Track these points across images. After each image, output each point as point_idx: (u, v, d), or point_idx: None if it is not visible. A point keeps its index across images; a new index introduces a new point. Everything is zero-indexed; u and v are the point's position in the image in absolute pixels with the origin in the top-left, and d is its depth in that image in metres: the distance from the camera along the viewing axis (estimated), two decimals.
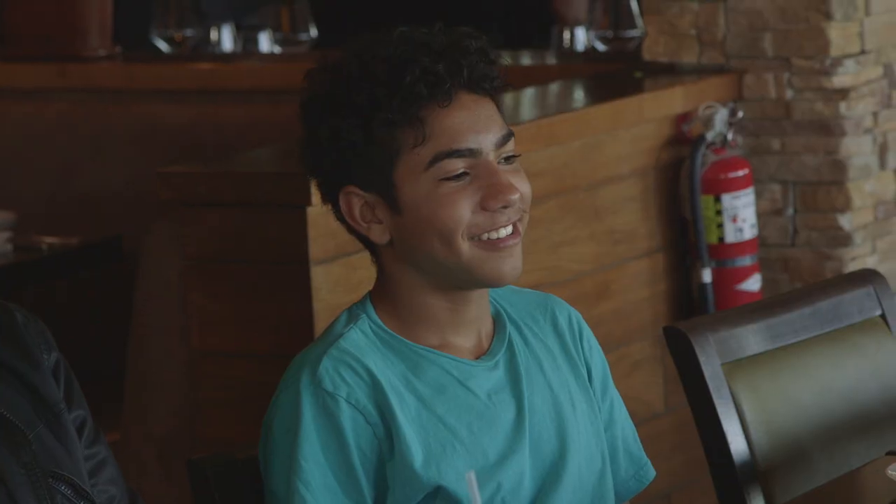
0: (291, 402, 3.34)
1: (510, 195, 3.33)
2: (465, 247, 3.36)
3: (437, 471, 3.36)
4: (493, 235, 3.37)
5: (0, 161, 6.32)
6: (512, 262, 3.41)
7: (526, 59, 6.18)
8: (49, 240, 5.81)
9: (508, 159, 3.39)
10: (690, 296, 5.22)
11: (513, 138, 3.38)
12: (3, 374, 3.07)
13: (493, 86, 3.38)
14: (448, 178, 3.35)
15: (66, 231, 5.93)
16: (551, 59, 6.63)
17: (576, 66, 6.36)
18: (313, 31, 7.02)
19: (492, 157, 3.36)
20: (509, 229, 3.35)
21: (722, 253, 5.53)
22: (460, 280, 3.43)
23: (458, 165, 3.35)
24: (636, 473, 3.64)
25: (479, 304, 3.49)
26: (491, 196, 3.37)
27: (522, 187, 3.38)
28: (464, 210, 3.37)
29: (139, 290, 4.80)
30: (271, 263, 4.61)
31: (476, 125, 3.41)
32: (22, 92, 6.57)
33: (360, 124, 3.36)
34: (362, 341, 3.39)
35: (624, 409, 3.62)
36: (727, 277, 5.18)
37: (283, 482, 3.36)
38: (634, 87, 5.66)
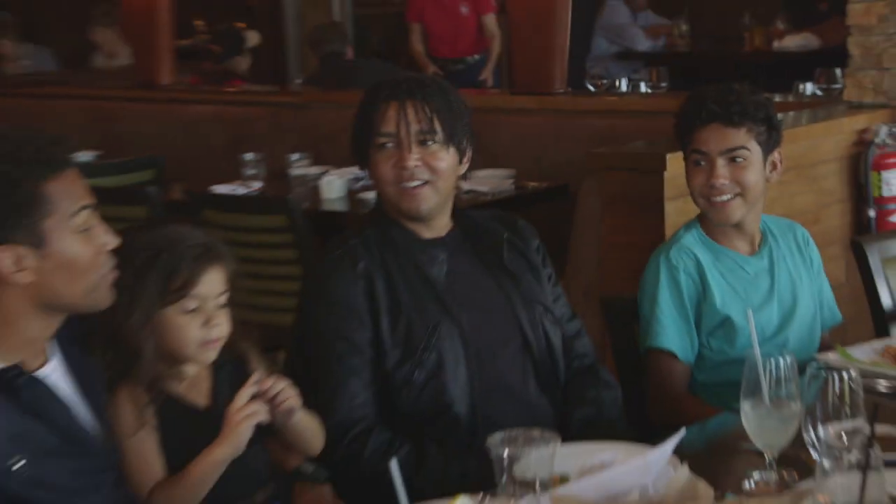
0: (655, 270, 3.53)
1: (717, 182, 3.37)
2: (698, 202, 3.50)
3: (726, 306, 3.46)
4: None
5: (509, 147, 6.17)
6: (725, 215, 3.43)
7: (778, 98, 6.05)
8: (531, 184, 5.91)
9: (732, 157, 3.38)
10: (865, 225, 5.16)
11: (739, 150, 3.37)
12: (516, 250, 3.21)
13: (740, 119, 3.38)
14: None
15: (539, 181, 6.00)
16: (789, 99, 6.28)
17: (804, 102, 6.16)
18: (667, 84, 7.08)
19: (717, 157, 3.36)
20: (723, 198, 3.38)
21: (880, 202, 5.18)
22: None
23: (696, 158, 3.42)
24: (832, 316, 3.72)
25: (752, 226, 3.51)
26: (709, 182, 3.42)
27: (741, 177, 3.37)
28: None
29: (579, 213, 4.96)
30: (644, 200, 4.47)
31: (718, 143, 3.36)
32: (520, 110, 6.51)
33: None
34: (692, 241, 3.54)
35: (827, 283, 3.75)
36: (884, 215, 5.03)
37: (648, 311, 3.51)
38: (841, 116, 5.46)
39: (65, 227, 2.37)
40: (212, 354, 2.75)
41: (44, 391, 2.43)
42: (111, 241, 2.45)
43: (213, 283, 2.72)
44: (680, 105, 3.57)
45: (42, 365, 2.47)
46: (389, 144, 3.06)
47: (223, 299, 2.73)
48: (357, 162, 3.23)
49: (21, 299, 2.39)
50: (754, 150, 3.42)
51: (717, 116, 3.39)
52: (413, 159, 3.03)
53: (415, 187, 3.05)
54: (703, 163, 3.41)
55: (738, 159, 3.39)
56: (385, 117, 3.05)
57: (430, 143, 3.06)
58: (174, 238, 2.69)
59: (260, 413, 2.65)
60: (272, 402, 2.70)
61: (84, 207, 2.42)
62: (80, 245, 2.40)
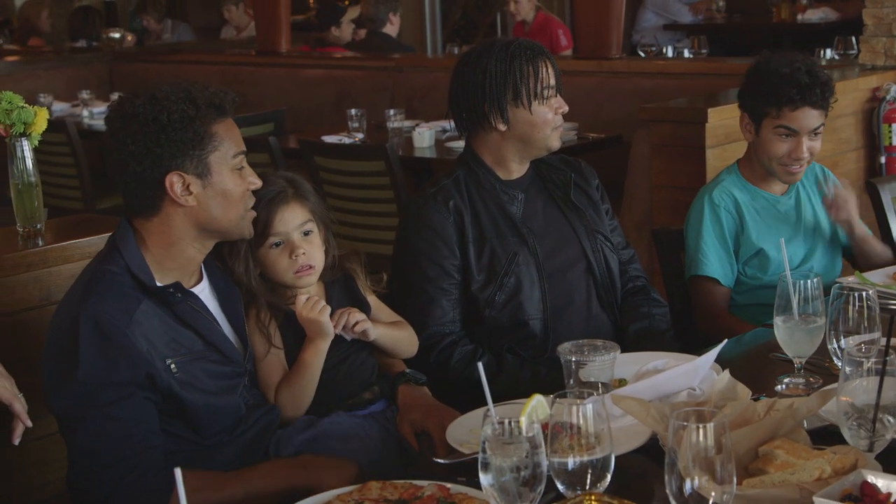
0: (700, 209, 3.51)
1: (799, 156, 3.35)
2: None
3: (760, 240, 3.45)
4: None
5: (572, 103, 6.01)
6: (796, 178, 3.41)
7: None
8: (591, 135, 5.74)
9: (815, 133, 3.37)
10: (877, 170, 5.08)
11: (820, 127, 3.36)
12: (580, 189, 3.15)
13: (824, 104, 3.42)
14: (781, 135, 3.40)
15: (598, 132, 5.76)
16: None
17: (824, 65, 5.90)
18: (706, 50, 6.85)
19: (804, 135, 3.31)
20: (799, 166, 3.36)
21: (889, 150, 5.12)
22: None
23: (784, 132, 3.35)
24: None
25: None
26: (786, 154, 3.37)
27: (815, 148, 3.35)
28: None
29: (632, 158, 4.87)
30: (688, 148, 4.43)
31: (808, 123, 3.31)
32: (583, 72, 6.22)
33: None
34: (732, 184, 3.53)
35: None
36: (893, 161, 4.91)
37: (693, 241, 3.50)
38: (856, 77, 5.37)
39: (225, 164, 2.44)
40: (307, 280, 2.75)
41: (196, 303, 2.50)
42: (256, 181, 2.51)
43: (289, 219, 2.72)
44: (760, 77, 3.43)
45: (196, 284, 2.55)
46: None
47: (308, 227, 2.72)
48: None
49: (184, 220, 2.45)
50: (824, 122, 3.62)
51: (809, 102, 3.36)
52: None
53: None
54: (787, 136, 3.38)
55: (818, 133, 3.41)
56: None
57: None
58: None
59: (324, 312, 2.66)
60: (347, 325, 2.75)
61: (241, 152, 2.49)
62: (234, 180, 2.45)
